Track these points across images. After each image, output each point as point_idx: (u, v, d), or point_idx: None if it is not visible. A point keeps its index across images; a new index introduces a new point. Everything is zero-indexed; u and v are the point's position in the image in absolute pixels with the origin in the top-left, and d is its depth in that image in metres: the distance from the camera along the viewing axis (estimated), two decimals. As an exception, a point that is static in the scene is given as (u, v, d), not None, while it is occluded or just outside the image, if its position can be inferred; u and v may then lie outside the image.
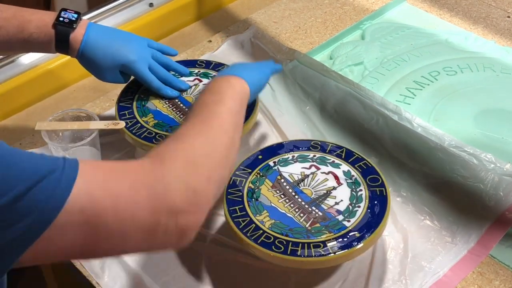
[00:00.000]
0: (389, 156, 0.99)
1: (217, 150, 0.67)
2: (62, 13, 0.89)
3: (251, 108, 0.96)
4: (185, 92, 1.00)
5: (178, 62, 1.07)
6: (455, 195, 0.93)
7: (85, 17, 1.19)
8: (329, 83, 1.09)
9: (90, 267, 0.85)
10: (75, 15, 0.90)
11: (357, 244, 0.77)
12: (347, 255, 0.77)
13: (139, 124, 0.95)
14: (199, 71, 1.04)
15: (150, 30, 1.26)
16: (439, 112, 1.09)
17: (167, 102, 0.99)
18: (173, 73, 1.00)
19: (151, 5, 1.27)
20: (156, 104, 0.98)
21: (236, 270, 0.85)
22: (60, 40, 0.89)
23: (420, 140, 0.98)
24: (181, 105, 0.98)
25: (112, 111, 1.02)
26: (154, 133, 0.93)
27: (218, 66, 1.05)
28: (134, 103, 0.98)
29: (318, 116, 1.07)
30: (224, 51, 1.21)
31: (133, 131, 0.93)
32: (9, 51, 1.00)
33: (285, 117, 1.07)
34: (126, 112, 0.97)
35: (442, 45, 1.24)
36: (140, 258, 0.86)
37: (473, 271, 0.84)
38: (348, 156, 0.89)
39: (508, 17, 1.31)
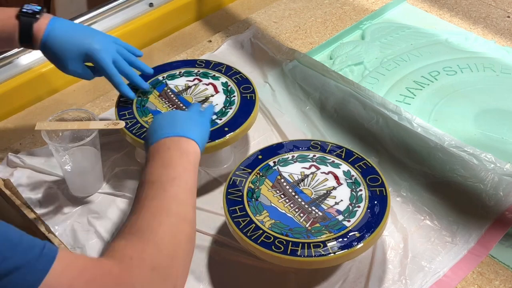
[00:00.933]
0: (389, 156, 0.99)
1: (181, 247, 0.64)
2: (25, 5, 0.88)
3: (251, 108, 0.96)
4: (185, 92, 1.00)
5: (179, 62, 1.07)
6: (455, 195, 0.93)
7: (85, 17, 1.20)
8: (329, 83, 1.09)
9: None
10: (39, 7, 0.89)
11: (357, 244, 0.77)
12: (347, 255, 0.77)
13: (139, 124, 0.95)
14: (198, 71, 1.04)
15: (150, 30, 1.26)
16: (439, 112, 1.09)
17: (166, 102, 0.99)
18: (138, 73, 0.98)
19: (151, 5, 1.27)
20: (156, 104, 0.98)
21: (236, 270, 0.85)
22: (24, 30, 0.87)
23: (420, 140, 0.98)
24: (181, 105, 0.98)
25: (112, 111, 1.02)
26: (154, 133, 0.93)
27: (217, 66, 1.05)
28: (134, 103, 0.98)
29: (318, 116, 1.07)
30: (224, 51, 1.21)
31: (133, 131, 0.93)
32: None
33: (285, 117, 1.07)
34: (126, 112, 0.97)
35: (442, 45, 1.24)
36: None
37: (473, 271, 0.84)
38: (348, 156, 0.89)
39: (508, 17, 1.31)
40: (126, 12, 1.25)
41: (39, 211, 0.93)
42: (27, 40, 0.88)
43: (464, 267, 0.85)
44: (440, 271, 0.84)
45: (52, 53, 0.90)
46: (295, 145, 0.92)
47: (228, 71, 1.04)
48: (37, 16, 0.88)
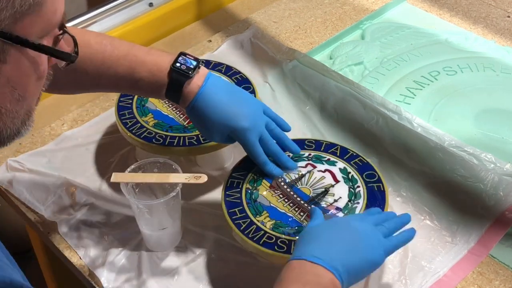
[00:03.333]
0: (389, 156, 0.99)
1: None
2: (180, 58, 0.80)
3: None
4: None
5: None
6: (455, 195, 0.93)
7: (85, 17, 1.20)
8: (329, 83, 1.09)
9: (90, 266, 0.85)
10: (194, 62, 0.80)
11: None
12: None
13: (139, 124, 0.95)
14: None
15: (150, 30, 1.26)
16: (439, 112, 1.09)
17: (166, 102, 0.99)
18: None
19: (151, 4, 1.26)
20: (156, 104, 0.98)
21: (235, 270, 0.85)
22: (173, 90, 0.80)
23: (420, 140, 0.98)
24: (181, 105, 0.98)
25: (112, 110, 1.02)
26: (154, 133, 0.93)
27: (217, 66, 1.05)
28: (134, 103, 0.98)
29: (318, 116, 1.07)
30: (224, 51, 1.21)
31: (133, 131, 0.94)
32: (114, 91, 0.89)
33: (285, 117, 1.06)
34: (126, 112, 0.97)
35: (442, 45, 1.24)
36: (140, 258, 0.86)
37: (473, 271, 0.84)
38: (343, 153, 0.90)
39: (508, 17, 1.31)
40: (126, 12, 1.25)
41: (41, 212, 0.92)
42: (174, 99, 0.82)
43: (464, 267, 0.85)
44: (440, 271, 0.84)
45: (197, 121, 0.83)
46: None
47: (228, 71, 1.04)
48: (191, 74, 0.79)
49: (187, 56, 0.80)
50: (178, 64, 0.79)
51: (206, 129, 0.84)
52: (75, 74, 0.77)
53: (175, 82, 0.79)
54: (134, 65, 0.78)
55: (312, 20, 1.31)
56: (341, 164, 0.88)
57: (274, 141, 0.86)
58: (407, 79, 1.16)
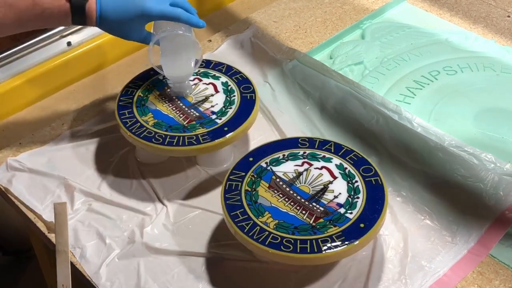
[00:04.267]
0: (389, 156, 0.99)
1: None
2: None
3: (251, 107, 0.96)
4: (185, 91, 1.00)
5: None
6: (455, 194, 0.93)
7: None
8: (329, 83, 1.09)
9: (89, 267, 0.85)
10: None
11: (364, 234, 0.78)
12: (355, 247, 0.78)
13: (139, 124, 0.95)
14: (199, 71, 1.04)
15: (150, 29, 1.25)
16: (439, 111, 1.09)
17: (167, 102, 0.99)
18: None
19: (151, 4, 1.27)
20: (155, 103, 0.98)
21: (235, 270, 0.85)
22: (77, 13, 0.88)
23: (420, 140, 0.98)
24: (181, 104, 0.98)
25: (112, 110, 1.02)
26: (153, 133, 0.93)
27: (217, 66, 1.05)
28: (134, 103, 0.98)
29: (318, 116, 1.07)
30: (224, 50, 1.21)
31: (133, 131, 0.93)
32: (21, 30, 0.93)
33: (285, 117, 1.07)
34: (126, 111, 0.97)
35: (442, 45, 1.24)
36: (140, 258, 0.86)
37: (473, 271, 0.84)
38: (337, 150, 0.90)
39: (508, 16, 1.31)
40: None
41: (39, 212, 0.92)
42: (81, 23, 0.89)
43: (464, 267, 0.85)
44: (440, 271, 0.84)
45: (110, 30, 0.92)
46: (284, 144, 0.92)
47: (228, 70, 1.04)
48: None
49: None
50: None
51: (122, 34, 0.93)
52: None
53: (78, 9, 0.88)
54: (33, 1, 0.85)
55: (312, 19, 1.31)
56: (336, 160, 0.89)
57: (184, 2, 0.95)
58: (407, 78, 1.16)
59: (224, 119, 0.95)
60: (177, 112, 0.97)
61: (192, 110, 0.97)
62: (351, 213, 0.81)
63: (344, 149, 0.90)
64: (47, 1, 0.86)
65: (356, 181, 0.85)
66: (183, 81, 0.99)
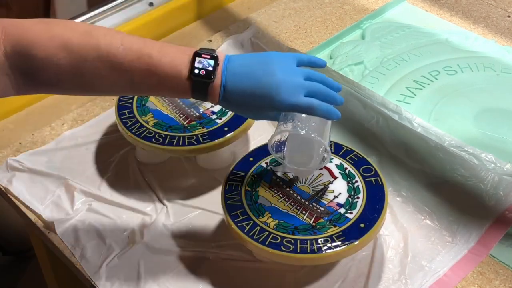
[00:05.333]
0: (389, 156, 0.99)
1: None
2: (197, 61, 0.73)
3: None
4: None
5: None
6: (455, 194, 0.93)
7: (85, 17, 1.20)
8: (329, 83, 1.09)
9: (89, 267, 0.85)
10: (211, 62, 0.73)
11: (364, 234, 0.78)
12: (355, 247, 0.78)
13: (139, 124, 0.95)
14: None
15: (150, 29, 1.26)
16: (439, 111, 1.09)
17: (167, 102, 0.99)
18: None
19: (151, 4, 1.26)
20: (155, 103, 0.98)
21: (235, 270, 0.85)
22: (198, 93, 0.74)
23: (420, 140, 0.98)
24: (182, 104, 0.98)
25: (112, 110, 1.02)
26: (153, 133, 0.93)
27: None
28: (134, 103, 0.98)
29: (318, 116, 1.07)
30: (224, 50, 1.21)
31: (133, 131, 0.93)
32: (132, 94, 0.85)
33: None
34: (126, 111, 0.97)
35: (442, 45, 1.24)
36: (140, 258, 0.86)
37: (473, 271, 0.84)
38: (337, 150, 0.90)
39: (509, 16, 1.31)
40: (126, 11, 1.24)
41: (39, 212, 0.92)
42: (202, 99, 0.76)
43: (464, 267, 0.85)
44: (440, 271, 0.84)
45: (235, 110, 0.78)
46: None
47: (228, 70, 1.04)
48: (212, 77, 0.73)
49: (202, 56, 0.74)
50: (196, 71, 0.73)
51: (247, 114, 0.79)
52: (82, 79, 0.73)
53: (199, 88, 0.74)
54: (151, 67, 0.73)
55: (312, 19, 1.31)
56: (337, 160, 0.89)
57: (320, 85, 0.77)
58: (407, 78, 1.16)
59: (224, 119, 0.95)
60: (177, 112, 0.97)
61: (192, 110, 0.97)
62: (351, 213, 0.81)
63: (344, 149, 0.90)
64: (164, 74, 0.73)
65: (356, 181, 0.86)
66: (304, 174, 0.87)
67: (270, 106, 0.74)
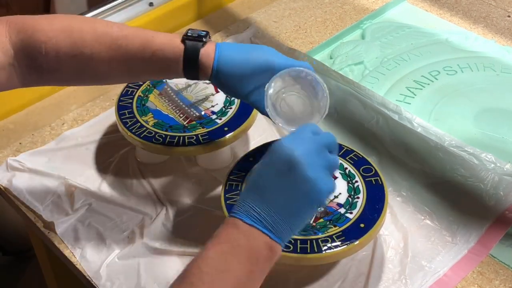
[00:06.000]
0: (389, 156, 0.99)
1: None
2: (189, 30, 0.78)
3: (251, 107, 0.96)
4: (184, 90, 1.00)
5: None
6: (455, 194, 0.93)
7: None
8: (329, 83, 1.09)
9: (89, 267, 0.85)
10: (203, 32, 0.78)
11: (364, 233, 0.78)
12: (355, 247, 0.78)
13: (139, 124, 0.95)
14: (199, 71, 1.04)
15: (150, 29, 1.25)
16: (439, 111, 1.09)
17: (167, 102, 0.99)
18: None
19: (151, 4, 1.26)
20: (156, 103, 0.98)
21: (236, 270, 0.85)
22: (190, 55, 0.76)
23: (420, 140, 0.98)
24: (181, 104, 0.98)
25: (112, 110, 1.02)
26: (153, 133, 0.93)
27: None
28: (134, 103, 0.98)
29: (318, 116, 1.07)
30: (224, 50, 1.21)
31: (133, 131, 0.93)
32: (125, 76, 0.82)
33: (285, 117, 1.07)
34: (126, 111, 0.97)
35: (442, 45, 1.24)
36: (140, 258, 0.86)
37: (473, 271, 0.84)
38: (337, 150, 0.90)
39: (509, 16, 1.31)
40: (126, 11, 1.24)
41: (39, 212, 0.92)
42: (192, 67, 0.77)
43: (464, 267, 0.85)
44: (440, 271, 0.84)
45: (225, 82, 0.78)
46: None
47: (228, 70, 1.04)
48: (204, 40, 0.77)
49: (194, 29, 0.79)
50: (189, 33, 0.77)
51: (241, 87, 0.78)
52: (81, 59, 0.75)
53: (191, 49, 0.76)
54: (145, 40, 0.76)
55: (312, 19, 1.31)
56: None
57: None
58: (407, 78, 1.16)
59: (224, 119, 0.95)
60: (177, 112, 0.97)
61: (192, 110, 0.97)
62: (351, 213, 0.81)
63: (344, 149, 0.90)
64: (158, 42, 0.76)
65: (356, 181, 0.86)
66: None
67: (266, 65, 0.76)
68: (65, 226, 0.90)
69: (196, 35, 0.77)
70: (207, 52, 0.77)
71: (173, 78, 0.86)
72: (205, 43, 0.77)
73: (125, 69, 0.78)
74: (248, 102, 0.81)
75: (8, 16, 0.75)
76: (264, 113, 0.80)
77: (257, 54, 0.77)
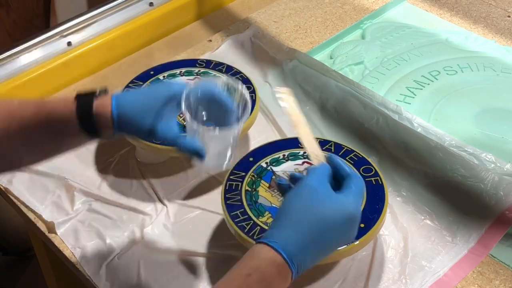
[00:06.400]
0: (389, 156, 0.99)
1: None
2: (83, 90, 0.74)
3: (251, 107, 0.96)
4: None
5: (179, 61, 1.07)
6: (455, 194, 0.93)
7: (85, 17, 1.20)
8: (330, 83, 1.09)
9: (89, 267, 0.85)
10: (98, 89, 0.74)
11: (364, 234, 0.78)
12: (360, 244, 0.78)
13: (139, 124, 0.94)
14: (199, 71, 1.04)
15: (150, 29, 1.26)
16: (439, 111, 1.09)
17: (167, 102, 0.99)
18: None
19: (151, 4, 1.26)
20: (156, 103, 0.98)
21: (236, 270, 0.85)
22: (83, 108, 0.71)
23: (420, 140, 0.98)
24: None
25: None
26: (154, 133, 0.93)
27: (218, 66, 1.05)
28: (134, 103, 0.98)
29: (318, 116, 1.07)
30: (224, 50, 1.21)
31: (133, 131, 0.93)
32: (29, 144, 0.75)
33: (285, 117, 1.07)
34: (126, 111, 0.97)
35: (442, 45, 1.24)
36: (140, 258, 0.86)
37: (473, 271, 0.84)
38: (337, 150, 0.90)
39: (509, 16, 1.31)
40: (126, 11, 1.25)
41: (39, 212, 0.92)
42: (88, 122, 0.72)
43: (464, 267, 0.85)
44: (440, 271, 0.84)
45: (134, 128, 0.74)
46: (284, 144, 0.92)
47: (229, 70, 1.04)
48: (96, 94, 0.72)
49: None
50: (82, 92, 0.73)
51: (150, 131, 0.74)
52: None
53: (84, 102, 0.72)
54: (39, 104, 0.72)
55: (312, 19, 1.31)
56: None
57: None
58: (407, 78, 1.16)
59: (224, 119, 0.95)
60: (177, 112, 0.97)
61: (192, 110, 0.97)
62: None
63: (344, 149, 0.90)
64: (52, 103, 0.72)
65: None
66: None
67: (168, 94, 0.73)
68: (65, 226, 0.90)
69: (90, 92, 0.73)
70: (103, 103, 0.72)
71: (76, 143, 0.77)
72: (99, 95, 0.73)
73: (23, 138, 0.73)
74: (159, 139, 0.75)
75: None
76: (175, 143, 0.76)
77: (156, 88, 0.75)
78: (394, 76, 1.17)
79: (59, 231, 0.90)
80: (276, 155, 0.90)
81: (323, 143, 0.91)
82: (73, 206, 0.93)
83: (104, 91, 0.74)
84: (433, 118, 1.08)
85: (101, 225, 0.91)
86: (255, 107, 0.96)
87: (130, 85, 1.01)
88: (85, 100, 0.72)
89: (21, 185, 0.96)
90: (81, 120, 0.71)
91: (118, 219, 0.92)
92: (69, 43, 1.17)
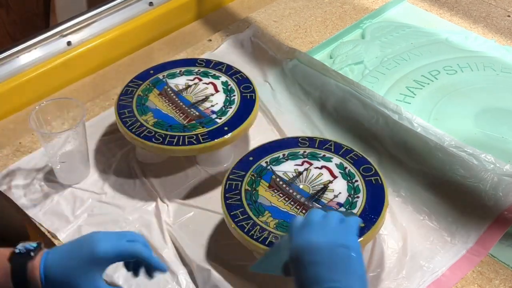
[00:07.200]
0: (389, 156, 0.99)
1: None
2: (20, 245, 0.72)
3: (251, 107, 0.96)
4: (184, 91, 1.00)
5: (179, 61, 1.08)
6: (454, 195, 0.93)
7: (85, 16, 1.20)
8: (329, 82, 1.09)
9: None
10: (34, 245, 0.71)
11: (366, 232, 0.78)
12: (360, 244, 0.78)
13: (139, 123, 0.95)
14: (199, 70, 1.04)
15: (150, 29, 1.26)
16: (439, 111, 1.09)
17: (167, 101, 0.99)
18: None
19: (151, 4, 1.26)
20: (155, 103, 0.98)
21: (236, 270, 0.85)
22: (17, 274, 0.69)
23: (420, 140, 0.98)
24: (181, 104, 0.98)
25: (113, 110, 1.02)
26: (153, 132, 0.93)
27: (218, 65, 1.05)
28: (134, 102, 0.98)
29: (318, 115, 1.07)
30: (224, 50, 1.21)
31: (133, 130, 0.93)
32: None
33: (285, 116, 1.07)
34: (126, 110, 0.97)
35: (442, 44, 1.24)
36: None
37: (473, 270, 0.84)
38: (337, 149, 0.90)
39: (508, 16, 1.31)
40: (126, 11, 1.25)
41: (40, 218, 0.92)
42: (23, 283, 0.70)
43: (462, 267, 0.85)
44: (438, 271, 0.84)
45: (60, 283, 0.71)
46: (284, 144, 0.92)
47: (228, 70, 1.04)
48: (32, 254, 0.70)
49: (28, 243, 0.72)
50: (17, 251, 0.71)
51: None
52: None
53: (19, 267, 0.70)
54: None
55: (312, 19, 1.31)
56: (337, 159, 0.89)
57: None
58: (407, 78, 1.16)
59: (224, 118, 0.95)
60: (177, 111, 0.97)
61: (192, 110, 0.97)
62: (351, 212, 0.81)
63: (344, 148, 0.91)
64: None
65: (356, 181, 0.86)
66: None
67: (92, 262, 0.70)
68: (66, 229, 0.90)
69: (24, 251, 0.71)
70: (34, 265, 0.70)
71: None
72: (34, 256, 0.70)
73: None
74: None
75: None
76: None
77: (81, 250, 0.71)
78: (394, 75, 1.17)
79: (62, 238, 0.89)
80: (276, 155, 0.90)
81: (323, 143, 0.91)
82: (73, 207, 0.93)
83: (39, 247, 0.72)
84: (433, 117, 1.08)
85: (101, 225, 0.91)
86: (254, 107, 0.96)
87: (130, 84, 1.01)
88: (20, 263, 0.70)
89: (21, 191, 0.96)
90: (17, 286, 0.70)
91: (119, 219, 0.92)
92: (68, 43, 1.17)
